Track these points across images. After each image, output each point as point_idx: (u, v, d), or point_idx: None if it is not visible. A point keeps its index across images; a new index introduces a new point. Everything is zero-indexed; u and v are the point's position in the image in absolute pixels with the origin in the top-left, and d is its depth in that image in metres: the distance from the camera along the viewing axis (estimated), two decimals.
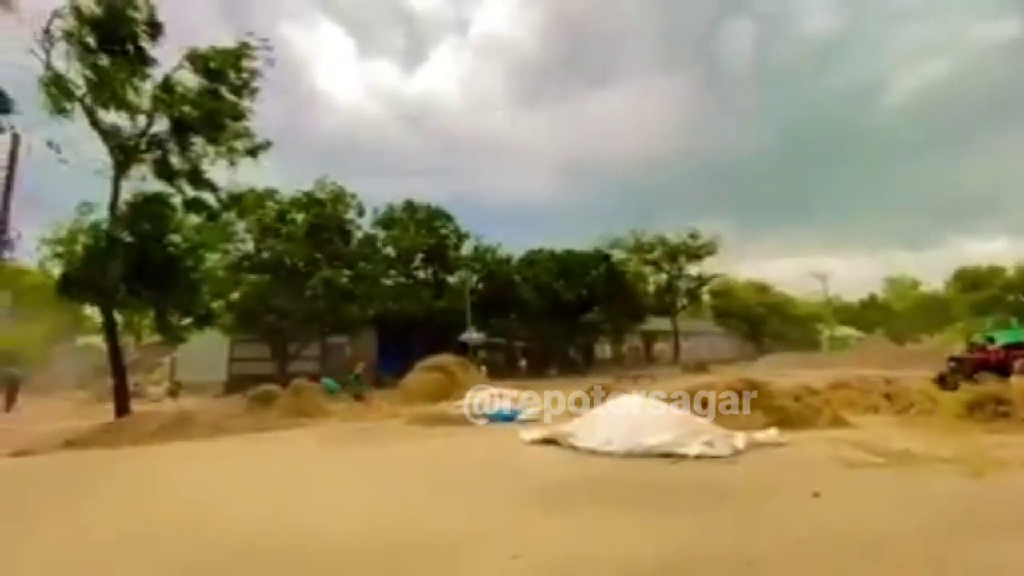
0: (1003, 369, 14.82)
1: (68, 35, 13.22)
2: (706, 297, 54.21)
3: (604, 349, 44.23)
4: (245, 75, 15.04)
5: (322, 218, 24.90)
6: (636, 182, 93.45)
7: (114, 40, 13.68)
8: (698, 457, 6.80)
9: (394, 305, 27.08)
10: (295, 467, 7.64)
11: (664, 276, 46.99)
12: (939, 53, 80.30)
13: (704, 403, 9.54)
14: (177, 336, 15.26)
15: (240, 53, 14.82)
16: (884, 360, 30.33)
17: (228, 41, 14.99)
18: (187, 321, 15.43)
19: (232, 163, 15.64)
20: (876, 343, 51.76)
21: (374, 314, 26.46)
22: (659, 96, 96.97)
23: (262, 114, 15.76)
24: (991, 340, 16.78)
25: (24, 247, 14.96)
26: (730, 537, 3.88)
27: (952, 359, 16.70)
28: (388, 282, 29.23)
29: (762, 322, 56.53)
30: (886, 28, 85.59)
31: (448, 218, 31.98)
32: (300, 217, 24.82)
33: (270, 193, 24.33)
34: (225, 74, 14.98)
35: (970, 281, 57.39)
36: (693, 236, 45.16)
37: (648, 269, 46.52)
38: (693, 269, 46.96)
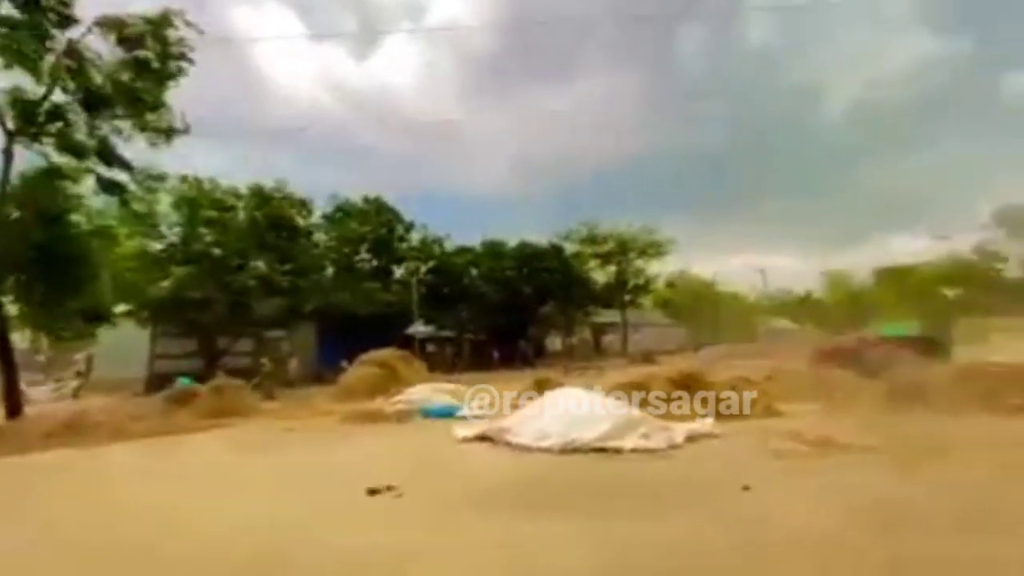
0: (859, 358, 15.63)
1: None
2: (654, 290, 55.52)
3: (555, 342, 44.41)
4: (170, 48, 13.67)
5: (267, 213, 23.24)
6: (590, 177, 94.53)
7: None
8: (634, 451, 6.58)
9: (336, 298, 25.75)
10: (185, 478, 6.81)
11: (614, 269, 47.64)
12: (873, 64, 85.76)
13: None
14: (61, 332, 13.65)
15: (160, 21, 13.42)
16: (819, 351, 31.82)
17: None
18: (77, 317, 13.88)
19: (153, 144, 14.23)
20: (810, 335, 54.77)
21: (313, 308, 25.10)
22: (613, 94, 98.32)
23: (204, 96, 14.50)
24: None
25: None
26: (664, 539, 3.60)
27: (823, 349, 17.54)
28: (329, 273, 27.74)
29: (706, 314, 58.61)
30: (827, 38, 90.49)
31: (393, 211, 30.72)
32: (242, 208, 23.07)
33: (207, 181, 22.46)
34: (143, 43, 13.55)
35: (893, 277, 61.76)
36: (646, 231, 46.01)
37: (599, 262, 46.99)
38: (642, 263, 47.91)
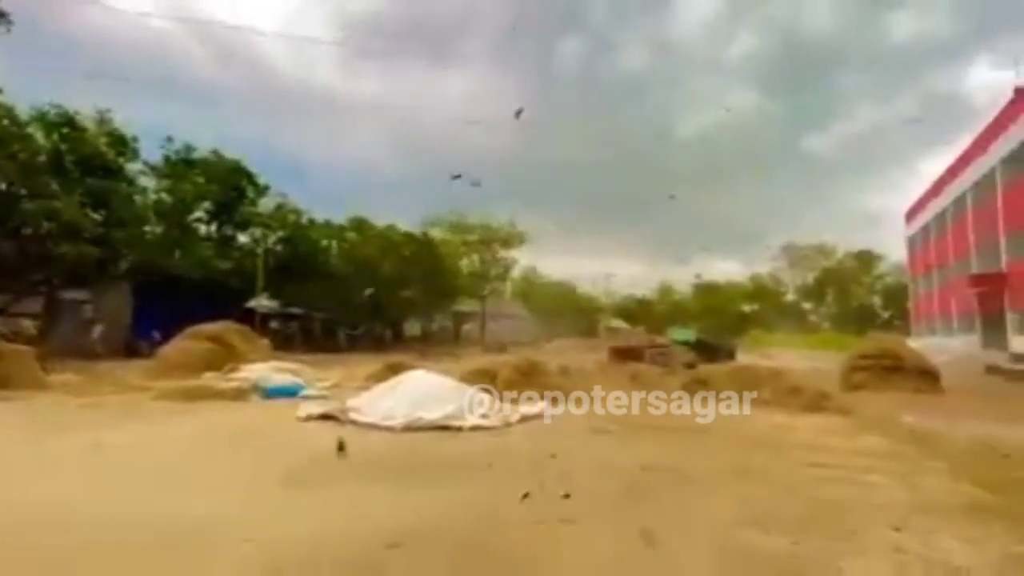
0: (639, 357, 19.26)
1: None
2: (512, 279, 58.44)
3: (415, 327, 44.20)
4: None
5: (76, 146, 18.96)
6: (460, 166, 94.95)
7: None
8: (473, 429, 7.16)
9: (160, 259, 22.27)
10: None
11: (477, 259, 49.02)
12: (710, 107, 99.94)
13: (492, 379, 10.22)
14: None
15: None
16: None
17: None
18: None
19: None
20: (638, 334, 62.64)
21: (130, 267, 21.43)
22: (490, 89, 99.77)
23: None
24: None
25: None
26: (462, 499, 4.17)
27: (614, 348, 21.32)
28: (155, 230, 23.75)
29: (558, 310, 63.37)
30: (680, 78, 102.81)
31: (244, 170, 27.34)
32: (42, 138, 18.54)
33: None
34: None
35: (707, 291, 73.94)
36: (510, 225, 48.07)
37: (463, 250, 47.94)
38: (504, 253, 50.13)
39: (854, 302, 71.78)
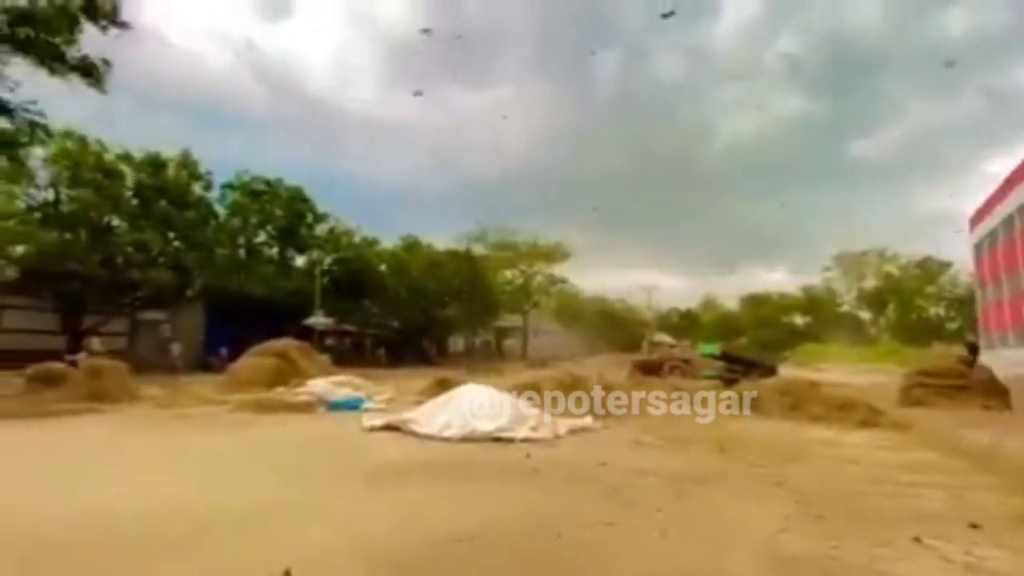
0: (659, 370, 19.13)
1: None
2: (554, 299, 58.70)
3: (458, 342, 45.20)
4: None
5: (160, 181, 21.14)
6: (500, 182, 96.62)
7: None
8: (524, 440, 7.64)
9: (229, 280, 24.14)
10: (91, 453, 6.69)
11: (520, 276, 49.77)
12: (749, 113, 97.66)
13: (538, 394, 10.68)
14: None
15: None
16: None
17: None
18: None
19: (75, 71, 12.36)
20: (683, 347, 61.26)
21: (202, 289, 23.36)
22: (529, 105, 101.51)
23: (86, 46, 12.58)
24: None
25: None
26: (521, 496, 4.69)
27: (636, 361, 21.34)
28: (224, 253, 25.78)
29: (600, 325, 62.97)
30: (717, 84, 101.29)
31: (305, 199, 29.39)
32: (132, 174, 20.78)
33: (94, 141, 19.90)
34: None
35: (756, 303, 71.55)
36: (553, 242, 48.70)
37: (506, 267, 48.81)
38: (547, 272, 50.71)
39: (917, 312, 67.61)
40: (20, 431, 8.29)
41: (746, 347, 53.04)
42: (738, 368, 18.62)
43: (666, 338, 71.00)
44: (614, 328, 65.46)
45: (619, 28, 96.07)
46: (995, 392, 14.02)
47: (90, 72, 12.62)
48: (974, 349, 16.75)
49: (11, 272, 13.57)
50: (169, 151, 22.09)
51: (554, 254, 49.39)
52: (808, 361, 46.65)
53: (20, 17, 11.80)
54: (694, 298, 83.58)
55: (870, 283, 71.14)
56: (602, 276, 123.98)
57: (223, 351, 22.91)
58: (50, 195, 19.56)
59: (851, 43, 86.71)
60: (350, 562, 3.26)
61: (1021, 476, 5.70)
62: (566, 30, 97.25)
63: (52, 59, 12.34)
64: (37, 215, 18.88)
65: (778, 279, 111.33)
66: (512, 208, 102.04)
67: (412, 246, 35.32)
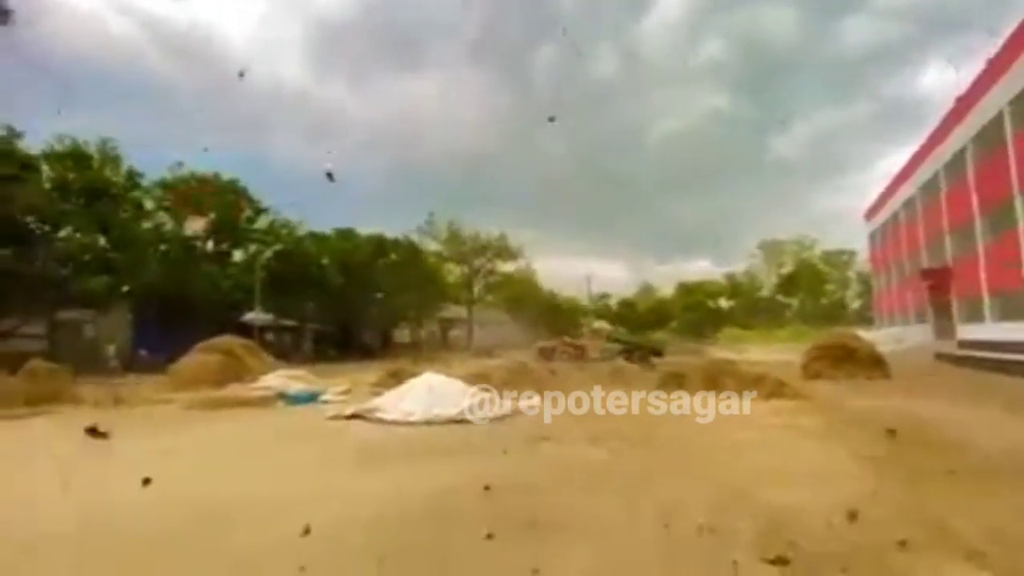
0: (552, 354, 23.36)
1: None
2: (502, 290, 59.80)
3: (403, 334, 45.19)
4: None
5: (85, 177, 19.71)
6: (442, 171, 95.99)
7: None
8: (480, 421, 8.50)
9: (163, 279, 23.03)
10: (70, 453, 6.80)
11: (466, 268, 50.33)
12: (677, 114, 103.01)
13: (487, 381, 11.60)
14: None
15: None
16: None
17: None
18: None
19: None
20: (622, 335, 64.57)
21: (131, 288, 22.16)
22: (468, 94, 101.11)
23: None
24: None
25: None
26: (472, 469, 5.50)
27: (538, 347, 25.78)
28: (156, 251, 24.48)
29: (542, 314, 64.77)
30: (649, 85, 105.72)
31: (243, 193, 28.22)
32: (48, 168, 19.27)
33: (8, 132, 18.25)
34: None
35: (686, 290, 76.41)
36: (500, 239, 49.70)
37: (455, 259, 49.24)
38: (492, 265, 51.73)
39: (827, 296, 74.96)
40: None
41: (685, 332, 58.42)
42: (630, 350, 23.57)
43: (605, 325, 74.20)
44: (556, 317, 67.58)
45: (556, 23, 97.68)
46: (876, 363, 16.61)
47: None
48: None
49: None
50: (84, 135, 20.63)
51: (504, 249, 50.51)
52: (732, 343, 50.73)
53: None
54: (631, 287, 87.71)
55: (788, 269, 77.86)
56: (544, 265, 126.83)
57: (143, 352, 22.59)
58: None
59: (767, 47, 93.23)
60: (368, 522, 3.98)
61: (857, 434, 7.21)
62: (504, 21, 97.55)
63: None
64: None
65: (705, 268, 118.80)
66: (452, 197, 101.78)
67: (348, 235, 34.87)
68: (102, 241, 20.10)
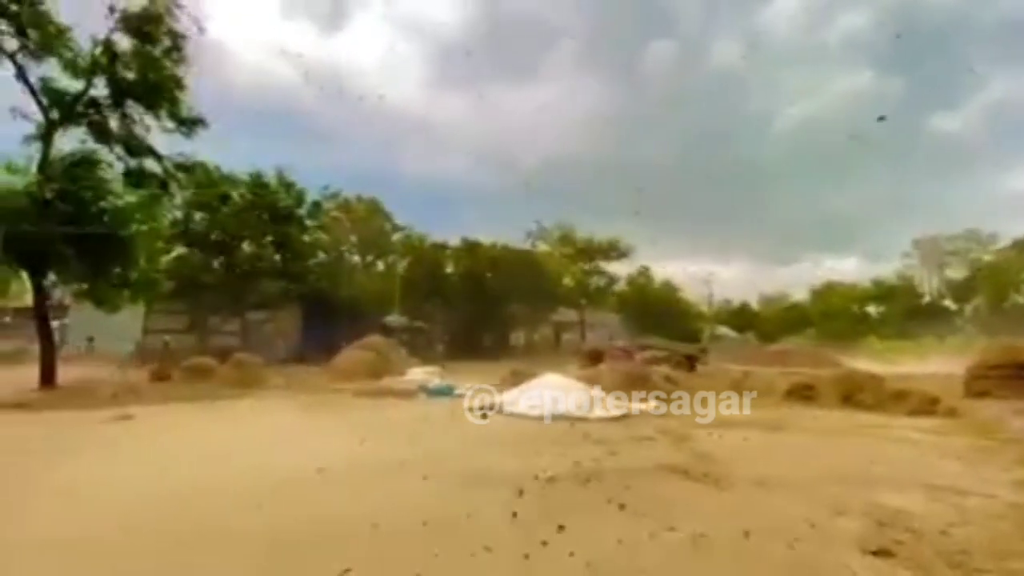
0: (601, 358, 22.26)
1: None
2: (615, 292, 59.31)
3: (518, 337, 47.20)
4: (179, 41, 14.92)
5: (269, 201, 24.67)
6: (556, 176, 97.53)
7: None
8: (598, 419, 9.29)
9: (324, 285, 27.46)
10: (285, 427, 9.02)
11: (579, 271, 50.98)
12: (811, 96, 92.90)
13: (600, 383, 12.34)
14: (113, 306, 15.06)
15: (161, 12, 14.62)
16: (749, 356, 36.13)
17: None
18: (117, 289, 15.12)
19: (180, 128, 15.56)
20: (747, 342, 60.22)
21: (299, 293, 26.69)
22: (580, 97, 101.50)
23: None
24: None
25: None
26: (592, 461, 6.31)
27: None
28: (318, 262, 29.32)
29: (657, 317, 62.87)
30: (775, 70, 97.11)
31: (385, 213, 32.57)
32: (237, 194, 24.42)
33: (204, 166, 23.54)
34: (154, 36, 14.78)
35: (824, 294, 68.57)
36: (612, 241, 49.84)
37: (567, 264, 50.19)
38: (606, 267, 51.99)
39: (1012, 300, 62.36)
40: (212, 411, 10.90)
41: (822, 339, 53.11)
42: (669, 357, 22.62)
43: (728, 332, 69.71)
44: (671, 321, 65.12)
45: (671, 17, 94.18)
46: None
47: (190, 125, 15.46)
48: None
49: (168, 284, 16.67)
50: (264, 168, 25.56)
51: (613, 249, 50.35)
52: (882, 353, 44.87)
53: (151, 87, 14.87)
54: (755, 290, 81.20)
55: (956, 269, 66.42)
56: (662, 267, 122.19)
57: (303, 348, 26.07)
58: (180, 215, 23.35)
59: (921, 12, 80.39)
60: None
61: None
62: (616, 21, 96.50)
63: (170, 117, 15.34)
64: (173, 233, 22.63)
65: (850, 268, 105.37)
66: (570, 203, 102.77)
67: (473, 247, 37.68)
68: (276, 253, 24.68)
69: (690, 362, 21.96)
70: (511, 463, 5.99)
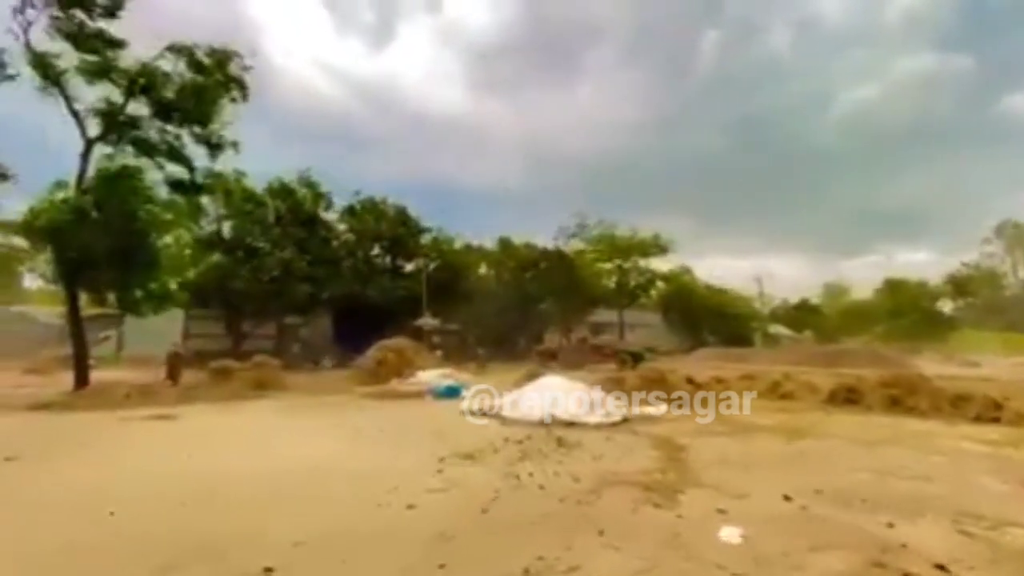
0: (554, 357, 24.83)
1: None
2: (655, 289, 56.93)
3: (554, 338, 46.27)
4: (230, 79, 15.52)
5: (293, 206, 25.43)
6: (596, 174, 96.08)
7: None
8: (596, 426, 8.57)
9: (353, 289, 27.91)
10: (263, 428, 8.92)
11: (618, 269, 49.15)
12: (871, 79, 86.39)
13: (620, 386, 11.57)
14: (139, 311, 15.72)
15: (225, 57, 15.34)
16: (801, 357, 33.58)
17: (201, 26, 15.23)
18: (142, 297, 15.79)
19: (210, 149, 16.11)
20: (803, 342, 56.37)
21: (330, 297, 27.22)
22: (622, 93, 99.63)
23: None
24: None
25: None
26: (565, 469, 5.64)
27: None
28: (347, 265, 29.84)
29: (703, 316, 59.98)
30: (830, 53, 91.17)
31: (411, 216, 32.89)
32: (269, 201, 25.27)
33: (239, 175, 24.60)
34: (211, 71, 15.44)
35: (892, 289, 63.05)
36: (654, 237, 47.51)
37: (604, 262, 48.44)
38: (646, 264, 49.62)
39: None
40: (222, 410, 11.02)
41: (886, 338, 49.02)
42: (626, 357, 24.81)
43: (783, 330, 65.54)
44: (720, 321, 61.96)
45: (717, 4, 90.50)
46: None
47: (219, 148, 15.93)
48: None
49: (183, 295, 17.34)
50: (290, 175, 26.24)
51: (651, 247, 48.10)
52: (957, 352, 40.65)
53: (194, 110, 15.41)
54: (815, 285, 76.24)
55: None
56: (712, 263, 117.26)
57: (326, 362, 26.07)
58: (214, 225, 24.42)
59: None
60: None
61: None
62: (661, 13, 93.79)
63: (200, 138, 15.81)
64: (209, 241, 23.70)
65: (923, 259, 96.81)
66: (611, 201, 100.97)
67: (506, 247, 37.27)
68: (307, 259, 25.26)
69: (634, 360, 24.12)
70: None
